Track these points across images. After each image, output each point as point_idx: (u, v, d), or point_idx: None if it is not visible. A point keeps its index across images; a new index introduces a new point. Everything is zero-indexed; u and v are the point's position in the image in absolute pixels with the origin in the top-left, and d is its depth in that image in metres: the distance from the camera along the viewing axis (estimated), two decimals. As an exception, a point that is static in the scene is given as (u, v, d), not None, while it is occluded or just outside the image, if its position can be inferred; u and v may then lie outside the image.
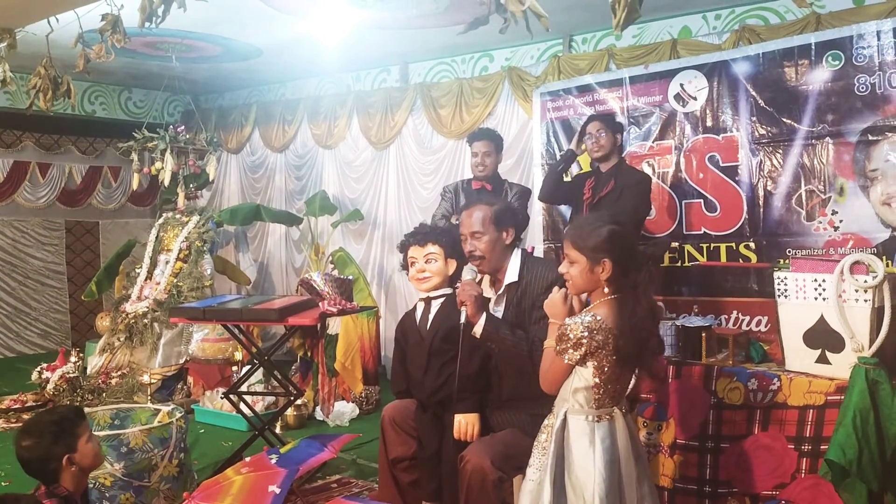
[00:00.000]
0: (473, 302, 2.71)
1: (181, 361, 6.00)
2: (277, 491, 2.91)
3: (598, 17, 5.39)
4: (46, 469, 2.41)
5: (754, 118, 4.03)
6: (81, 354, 6.07)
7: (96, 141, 8.66)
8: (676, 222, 4.29)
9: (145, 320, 6.00)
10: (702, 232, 4.19)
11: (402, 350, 3.19)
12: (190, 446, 3.90)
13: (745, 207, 4.03)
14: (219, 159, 7.53)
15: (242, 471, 3.13)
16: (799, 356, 3.18)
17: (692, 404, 3.37)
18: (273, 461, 3.18)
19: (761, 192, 4.00)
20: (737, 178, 4.08)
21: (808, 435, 3.05)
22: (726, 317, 3.99)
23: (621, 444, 2.26)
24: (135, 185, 6.93)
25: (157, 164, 6.40)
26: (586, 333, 2.20)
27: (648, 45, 5.42)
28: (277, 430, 4.76)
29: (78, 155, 8.55)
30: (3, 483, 4.18)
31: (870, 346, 2.89)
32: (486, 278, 3.00)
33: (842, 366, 2.98)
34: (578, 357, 2.22)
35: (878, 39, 3.59)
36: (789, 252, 3.79)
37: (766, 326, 3.83)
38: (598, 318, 2.22)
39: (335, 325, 5.62)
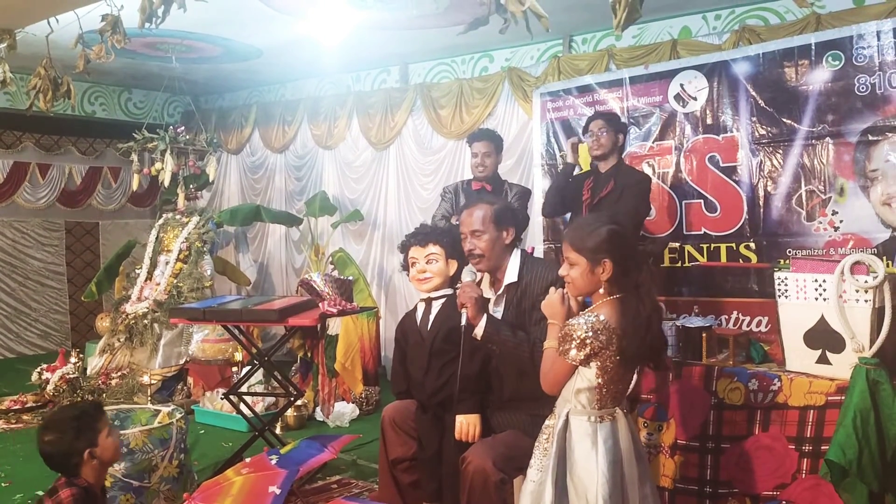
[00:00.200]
0: (474, 304, 2.71)
1: (181, 362, 6.00)
2: (277, 492, 2.91)
3: (598, 18, 5.40)
4: (69, 463, 2.47)
5: (754, 118, 4.03)
6: (81, 355, 6.07)
7: (96, 142, 8.66)
8: (676, 223, 4.29)
9: (145, 321, 6.00)
10: (702, 232, 4.18)
11: (402, 351, 3.19)
12: (190, 447, 3.90)
13: (746, 208, 4.03)
14: (219, 160, 7.54)
15: (242, 471, 3.13)
16: (799, 356, 3.18)
17: (693, 405, 3.36)
18: (273, 462, 3.18)
19: (761, 193, 4.00)
20: (737, 179, 4.08)
21: (808, 435, 3.05)
22: (727, 317, 3.99)
23: (623, 444, 2.26)
24: (135, 186, 6.93)
25: (157, 165, 6.39)
26: (590, 334, 2.20)
27: (648, 46, 5.42)
28: (277, 431, 4.76)
29: (78, 156, 8.56)
30: (3, 484, 4.18)
31: (870, 347, 2.89)
32: (486, 279, 3.00)
33: (842, 366, 2.98)
34: (582, 357, 2.22)
35: (878, 40, 3.59)
36: (789, 252, 3.79)
37: (766, 327, 3.83)
38: (602, 318, 2.22)
39: (335, 326, 5.61)
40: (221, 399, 5.09)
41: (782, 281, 3.22)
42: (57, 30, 3.69)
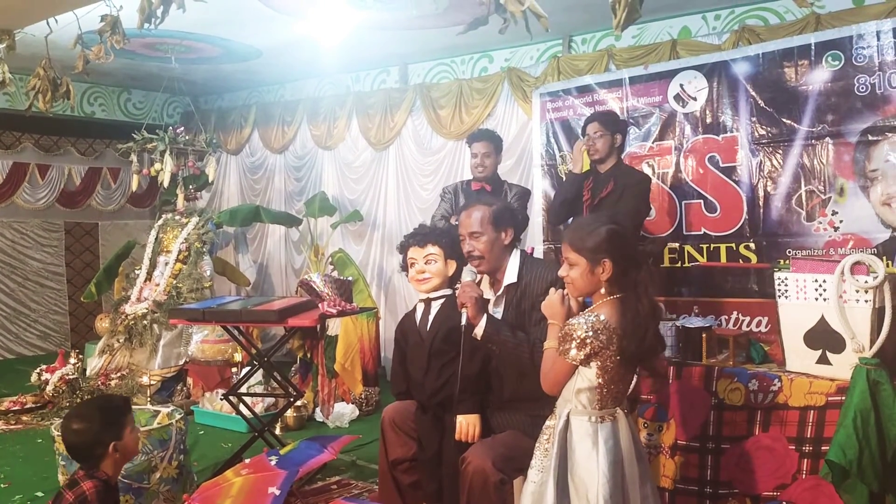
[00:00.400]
0: (474, 304, 2.70)
1: (181, 363, 6.00)
2: (277, 492, 2.91)
3: (597, 18, 5.39)
4: (92, 454, 2.48)
5: (754, 118, 4.02)
6: (81, 356, 6.07)
7: (95, 142, 8.66)
8: (676, 223, 4.29)
9: (145, 322, 5.99)
10: (702, 232, 4.18)
11: (402, 351, 3.19)
12: (189, 448, 3.89)
13: (745, 208, 4.03)
14: (218, 160, 7.53)
15: (242, 472, 3.13)
16: (799, 357, 3.18)
17: (693, 405, 3.36)
18: (273, 463, 3.18)
19: (761, 193, 3.99)
20: (737, 179, 4.08)
21: (808, 436, 3.05)
22: (726, 317, 3.98)
23: (624, 444, 2.26)
24: (134, 187, 6.92)
25: (157, 166, 6.39)
26: (591, 333, 2.19)
27: (648, 46, 5.42)
28: (277, 432, 4.76)
29: (77, 156, 8.55)
30: (2, 485, 4.18)
31: (870, 347, 2.89)
32: (486, 279, 3.00)
33: (842, 366, 2.97)
34: (582, 357, 2.22)
35: (878, 40, 3.59)
36: (789, 252, 3.78)
37: (766, 327, 3.83)
38: (602, 318, 2.22)
39: (335, 327, 5.61)
40: (221, 400, 5.09)
41: (782, 281, 3.22)
42: (56, 30, 3.68)
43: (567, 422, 2.27)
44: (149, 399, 5.39)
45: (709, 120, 4.20)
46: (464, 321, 2.70)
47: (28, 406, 5.67)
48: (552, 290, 2.43)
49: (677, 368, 3.43)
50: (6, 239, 8.24)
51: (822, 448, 2.94)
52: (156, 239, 6.55)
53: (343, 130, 7.34)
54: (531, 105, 5.22)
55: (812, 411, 3.05)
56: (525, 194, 4.45)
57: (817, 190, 3.80)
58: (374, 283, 7.01)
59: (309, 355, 5.58)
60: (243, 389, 4.67)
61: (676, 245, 4.25)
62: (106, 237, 8.97)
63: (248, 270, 8.11)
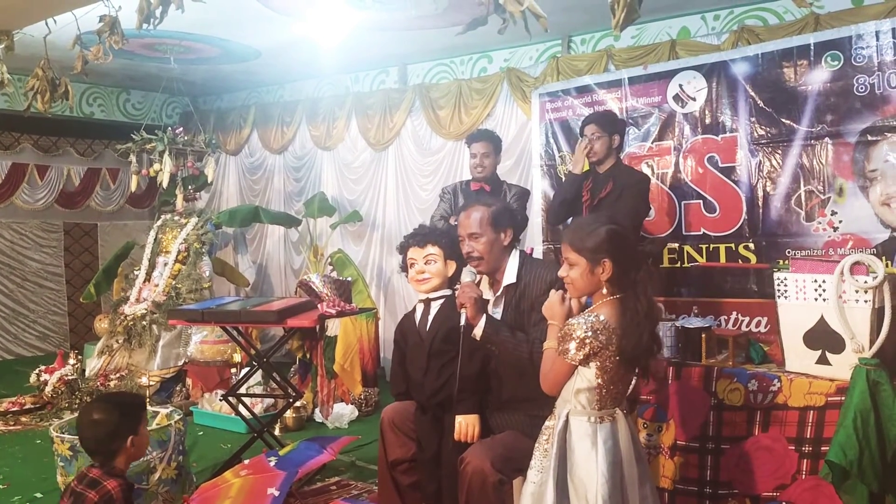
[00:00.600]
0: (473, 304, 2.70)
1: (180, 363, 5.99)
2: (276, 493, 2.91)
3: (596, 18, 5.40)
4: (109, 446, 2.44)
5: (753, 119, 4.03)
6: (80, 357, 6.07)
7: (94, 143, 8.65)
8: (675, 223, 4.29)
9: (144, 322, 5.99)
10: (701, 233, 4.18)
11: (401, 351, 3.19)
12: (188, 449, 3.89)
13: (745, 208, 4.03)
14: (217, 161, 7.53)
15: (241, 473, 3.13)
16: (799, 357, 3.17)
17: (692, 406, 3.36)
18: (272, 463, 3.18)
19: (760, 193, 3.99)
20: (736, 179, 4.08)
21: (808, 436, 3.04)
22: (726, 318, 3.98)
23: (623, 445, 2.26)
24: (133, 187, 6.92)
25: (156, 166, 6.39)
26: (590, 333, 2.19)
27: (647, 46, 5.42)
28: (276, 433, 4.75)
29: (76, 157, 8.55)
30: (0, 486, 4.17)
31: (870, 347, 2.89)
32: (485, 279, 2.99)
33: (842, 367, 2.97)
34: (581, 357, 2.21)
35: (877, 40, 3.59)
36: (789, 253, 3.79)
37: (765, 327, 3.83)
38: (602, 318, 2.21)
39: (334, 327, 5.61)
40: (220, 400, 5.08)
41: (782, 281, 3.22)
42: (55, 31, 3.68)
43: (566, 422, 2.27)
44: (148, 400, 5.38)
45: (708, 120, 4.20)
46: (463, 321, 2.70)
47: (27, 407, 5.67)
48: (552, 290, 2.43)
49: (677, 369, 3.43)
50: (5, 239, 8.23)
51: (822, 448, 2.94)
52: (155, 239, 6.55)
53: (342, 131, 7.33)
54: (530, 105, 5.22)
55: (812, 412, 3.05)
56: (524, 195, 4.45)
57: (816, 190, 3.80)
58: (374, 284, 7.01)
59: (308, 356, 5.59)
60: (242, 390, 4.67)
61: (676, 245, 4.25)
62: (105, 238, 8.97)
63: (247, 271, 8.11)
